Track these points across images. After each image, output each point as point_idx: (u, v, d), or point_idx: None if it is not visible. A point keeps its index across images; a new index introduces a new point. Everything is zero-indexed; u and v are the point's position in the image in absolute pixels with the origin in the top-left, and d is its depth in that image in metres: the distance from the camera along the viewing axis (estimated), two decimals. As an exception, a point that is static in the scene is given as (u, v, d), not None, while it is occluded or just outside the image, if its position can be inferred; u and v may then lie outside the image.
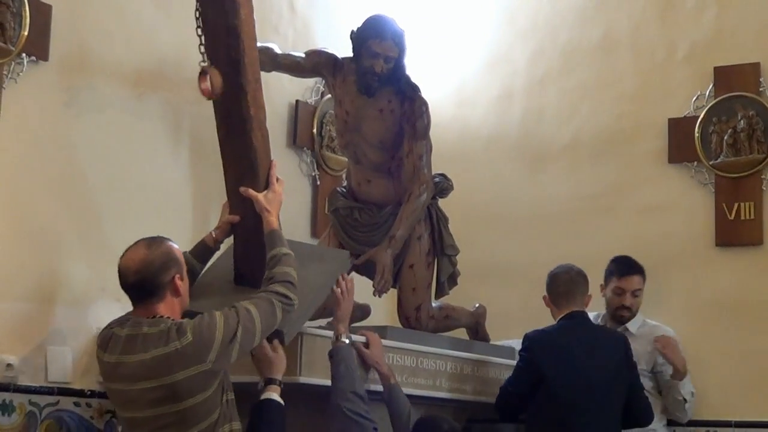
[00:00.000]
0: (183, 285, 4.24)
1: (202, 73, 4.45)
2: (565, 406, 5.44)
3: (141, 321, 4.14)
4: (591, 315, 5.98)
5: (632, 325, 6.29)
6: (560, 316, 5.66)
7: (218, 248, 4.87)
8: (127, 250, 4.25)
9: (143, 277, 4.14)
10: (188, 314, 4.27)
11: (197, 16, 4.47)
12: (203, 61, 4.49)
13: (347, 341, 4.91)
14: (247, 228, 4.72)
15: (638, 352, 5.97)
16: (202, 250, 4.79)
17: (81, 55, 5.50)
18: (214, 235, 4.78)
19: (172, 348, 4.01)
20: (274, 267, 4.42)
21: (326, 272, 4.96)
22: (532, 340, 5.61)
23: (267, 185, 4.64)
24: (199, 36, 4.48)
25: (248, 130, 4.57)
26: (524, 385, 5.57)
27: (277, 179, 4.66)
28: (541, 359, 5.52)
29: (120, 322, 4.21)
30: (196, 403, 4.06)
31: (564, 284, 5.69)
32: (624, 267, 6.29)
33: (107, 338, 4.18)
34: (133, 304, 4.24)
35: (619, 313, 6.28)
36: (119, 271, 4.21)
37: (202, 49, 4.47)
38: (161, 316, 4.15)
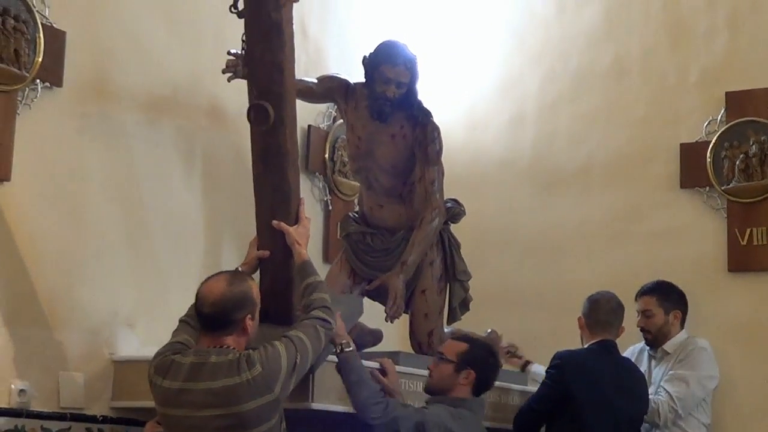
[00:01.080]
0: (253, 325, 4.35)
1: (257, 108, 4.60)
2: (589, 430, 5.46)
3: (208, 350, 4.25)
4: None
5: (670, 346, 6.26)
6: (591, 342, 5.67)
7: None
8: (209, 278, 4.37)
9: (218, 311, 4.26)
10: None
11: (242, 51, 4.74)
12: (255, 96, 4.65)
13: (351, 347, 4.85)
14: (276, 263, 4.82)
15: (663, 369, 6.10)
16: None
17: (95, 81, 5.52)
18: (241, 269, 4.83)
19: (244, 378, 4.14)
20: (311, 294, 4.61)
21: (342, 316, 4.98)
22: (563, 359, 5.61)
23: (297, 221, 4.81)
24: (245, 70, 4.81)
25: (285, 165, 4.73)
26: (549, 404, 5.59)
27: (306, 217, 4.86)
28: (571, 379, 5.53)
29: (176, 350, 4.33)
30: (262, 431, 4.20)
31: (605, 314, 5.73)
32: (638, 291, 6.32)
33: (166, 365, 4.27)
34: (203, 331, 4.33)
35: (643, 335, 6.29)
36: (197, 297, 4.34)
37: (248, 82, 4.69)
38: (228, 347, 4.25)
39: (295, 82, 4.77)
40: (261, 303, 4.53)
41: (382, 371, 5.09)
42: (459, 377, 4.97)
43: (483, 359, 5.04)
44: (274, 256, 4.83)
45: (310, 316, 4.51)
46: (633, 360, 6.14)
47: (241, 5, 4.58)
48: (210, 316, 4.28)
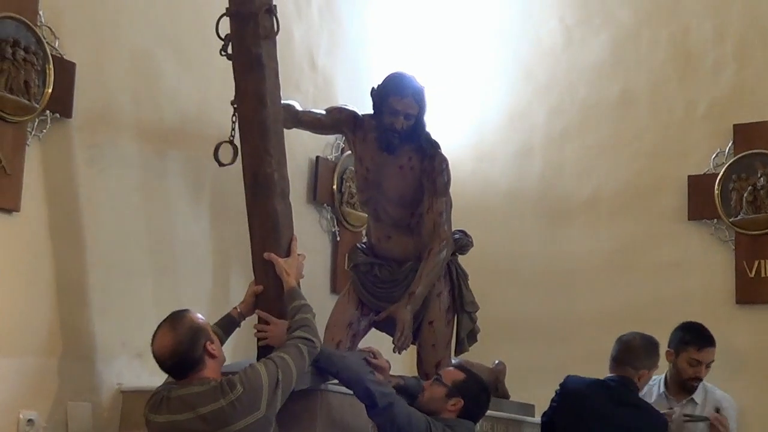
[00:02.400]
0: (215, 346, 4.49)
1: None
2: None
3: (191, 383, 4.36)
4: (655, 377, 5.99)
5: (697, 396, 6.10)
6: (609, 375, 5.66)
7: (240, 324, 5.04)
8: (154, 338, 4.44)
9: (179, 359, 4.39)
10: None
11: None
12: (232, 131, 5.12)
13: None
14: (269, 299, 4.93)
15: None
16: (228, 323, 4.99)
17: (104, 112, 5.55)
18: (239, 309, 5.00)
19: (228, 401, 4.27)
20: (293, 316, 4.71)
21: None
22: (563, 384, 5.63)
23: (288, 254, 4.94)
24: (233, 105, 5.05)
25: (272, 195, 4.89)
26: (548, 420, 5.63)
27: (299, 254, 4.96)
28: (560, 403, 5.54)
29: (168, 389, 4.44)
30: None
31: (617, 351, 5.67)
32: (703, 339, 6.00)
33: (158, 401, 4.41)
34: (178, 380, 4.43)
35: (691, 384, 6.04)
36: (155, 358, 4.45)
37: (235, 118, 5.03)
38: (207, 378, 4.37)
39: (281, 114, 4.96)
40: (261, 350, 4.74)
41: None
42: (448, 403, 5.01)
43: (475, 393, 5.09)
44: (267, 292, 4.95)
45: (291, 337, 4.62)
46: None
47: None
48: (175, 367, 4.43)
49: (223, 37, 5.06)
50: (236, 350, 5.46)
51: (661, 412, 5.75)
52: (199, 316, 4.51)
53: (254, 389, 4.31)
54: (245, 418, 4.28)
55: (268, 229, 4.92)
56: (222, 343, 4.80)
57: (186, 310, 4.52)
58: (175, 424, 4.33)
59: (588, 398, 5.56)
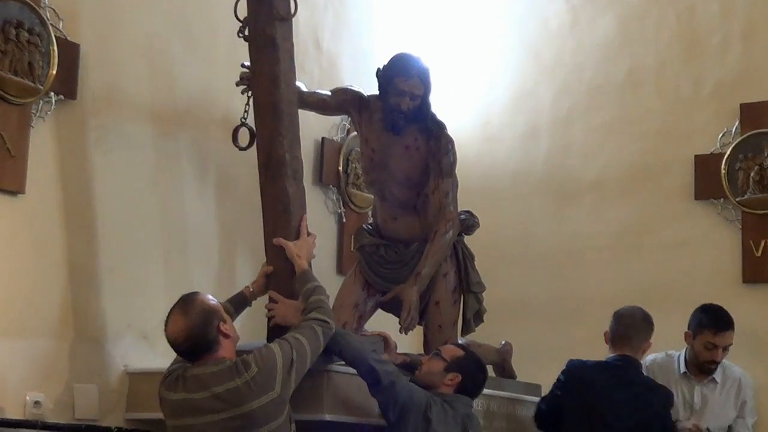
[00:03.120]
0: (228, 326, 4.50)
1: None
2: None
3: (206, 363, 4.40)
4: (674, 353, 6.05)
5: (717, 375, 6.13)
6: (611, 356, 5.66)
7: (251, 303, 5.10)
8: (167, 322, 4.46)
9: (194, 342, 4.41)
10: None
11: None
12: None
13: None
14: (280, 280, 4.99)
15: (722, 400, 6.04)
16: (239, 300, 5.05)
17: (109, 93, 5.55)
18: (251, 289, 5.07)
19: (243, 380, 4.30)
20: (308, 298, 4.76)
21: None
22: (567, 367, 5.65)
23: (298, 235, 4.99)
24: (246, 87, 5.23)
25: (284, 176, 4.95)
26: (549, 406, 5.62)
27: (309, 233, 5.01)
28: (565, 387, 5.55)
29: (184, 367, 4.47)
30: (271, 430, 4.35)
31: (623, 327, 5.66)
32: (721, 322, 5.98)
33: (174, 380, 4.44)
34: (194, 362, 4.44)
35: (708, 366, 6.06)
36: (169, 342, 4.47)
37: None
38: (222, 358, 4.41)
39: (295, 96, 5.03)
40: (271, 330, 4.79)
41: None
42: (446, 377, 5.08)
43: (473, 370, 5.16)
44: (277, 273, 5.00)
45: (307, 318, 4.65)
46: (670, 384, 5.98)
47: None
48: (191, 350, 4.44)
49: (241, 19, 5.10)
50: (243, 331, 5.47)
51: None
52: (210, 297, 4.53)
53: (268, 369, 4.34)
54: (260, 397, 4.30)
55: (279, 210, 4.99)
56: (232, 320, 4.82)
57: (196, 293, 4.54)
58: (190, 403, 4.35)
59: (595, 382, 5.56)
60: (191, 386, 4.36)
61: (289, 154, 4.98)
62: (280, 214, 4.98)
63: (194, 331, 4.38)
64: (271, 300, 5.01)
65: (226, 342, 4.46)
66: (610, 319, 5.73)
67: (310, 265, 4.98)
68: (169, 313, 4.46)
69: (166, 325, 4.45)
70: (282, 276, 4.99)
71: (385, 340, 5.20)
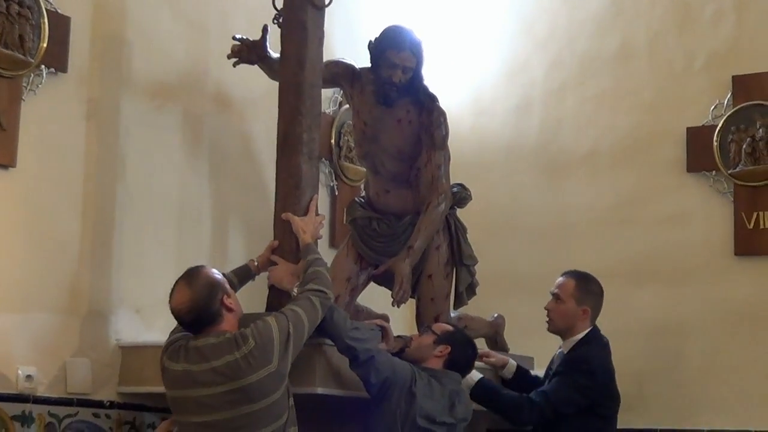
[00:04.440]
0: (232, 300, 4.56)
1: None
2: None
3: (207, 335, 4.44)
4: None
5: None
6: (588, 330, 5.69)
7: (254, 277, 5.14)
8: (172, 293, 4.49)
9: (197, 314, 4.45)
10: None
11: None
12: None
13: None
14: (285, 255, 5.06)
15: None
16: (243, 273, 5.10)
17: (100, 66, 5.53)
18: (257, 263, 5.10)
19: (241, 354, 4.34)
20: (307, 270, 4.82)
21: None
22: (597, 369, 5.68)
23: (306, 212, 5.06)
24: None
25: (299, 154, 5.09)
26: (571, 408, 5.62)
27: (317, 213, 5.09)
28: (602, 386, 5.68)
29: (187, 338, 4.50)
30: (269, 404, 4.38)
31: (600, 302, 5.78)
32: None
33: (176, 350, 4.48)
34: (197, 334, 4.47)
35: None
36: (173, 314, 4.50)
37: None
38: (224, 331, 4.44)
39: (320, 81, 5.23)
40: (270, 291, 4.78)
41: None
42: (435, 349, 5.15)
43: (462, 343, 5.25)
44: (283, 246, 5.07)
45: (304, 290, 4.71)
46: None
47: None
48: (194, 322, 4.47)
49: (278, 9, 5.27)
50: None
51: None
52: (215, 270, 4.57)
53: (265, 343, 4.38)
54: (258, 371, 4.34)
55: (290, 186, 5.10)
56: (235, 290, 4.85)
57: (202, 266, 4.58)
58: (190, 374, 4.40)
59: (610, 365, 5.72)
60: (192, 357, 4.40)
61: (307, 135, 5.11)
62: (291, 190, 5.08)
63: (198, 304, 4.42)
64: (271, 263, 5.07)
65: (229, 315, 4.50)
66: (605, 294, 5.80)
67: (315, 243, 5.03)
68: (174, 285, 4.50)
69: (170, 297, 4.48)
70: (287, 251, 5.06)
71: (383, 330, 5.17)
